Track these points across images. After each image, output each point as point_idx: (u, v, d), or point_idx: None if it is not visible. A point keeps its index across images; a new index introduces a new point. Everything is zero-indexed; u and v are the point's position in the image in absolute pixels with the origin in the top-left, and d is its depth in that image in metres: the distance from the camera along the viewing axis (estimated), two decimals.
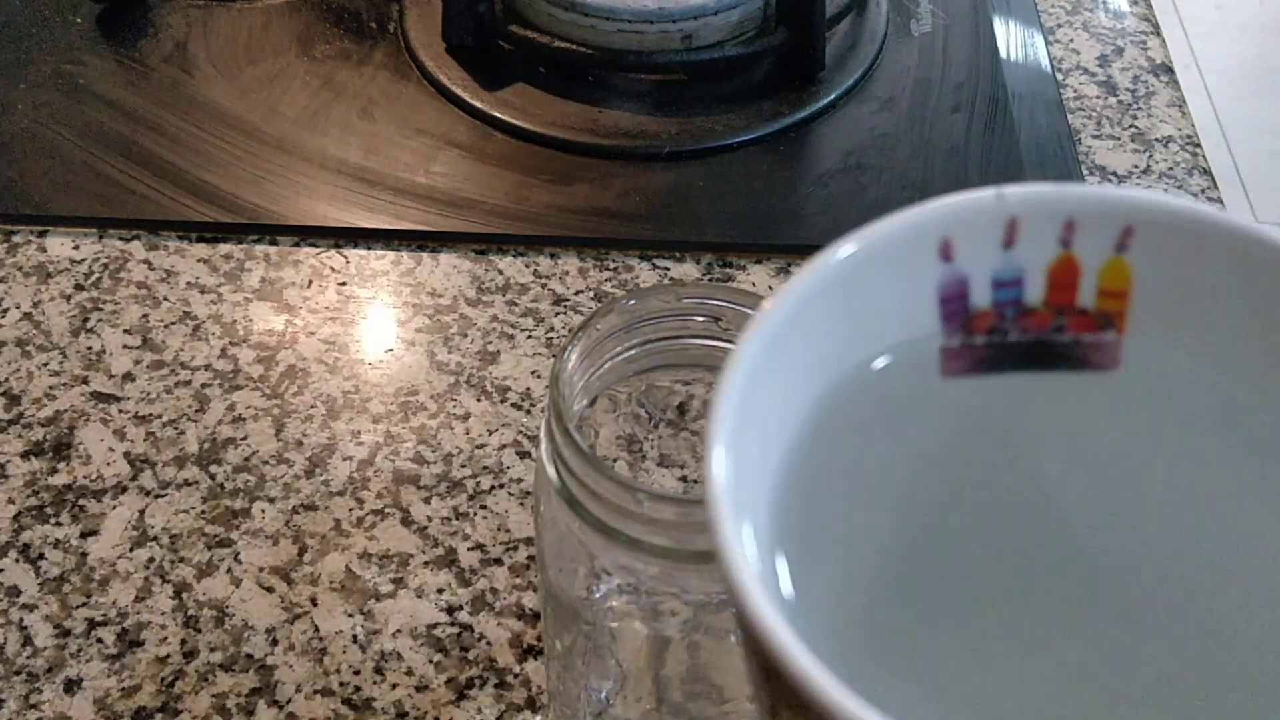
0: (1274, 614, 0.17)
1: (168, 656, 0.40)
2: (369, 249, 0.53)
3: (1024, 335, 0.18)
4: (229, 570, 0.42)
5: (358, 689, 0.40)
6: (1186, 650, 0.17)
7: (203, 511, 0.44)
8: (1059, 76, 0.62)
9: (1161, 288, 0.18)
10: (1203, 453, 0.18)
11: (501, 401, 0.47)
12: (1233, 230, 0.18)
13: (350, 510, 0.44)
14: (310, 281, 0.52)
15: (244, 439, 0.46)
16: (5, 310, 0.51)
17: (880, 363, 0.18)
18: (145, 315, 0.50)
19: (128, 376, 0.48)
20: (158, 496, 0.44)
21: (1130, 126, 0.59)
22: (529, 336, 0.50)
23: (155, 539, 0.43)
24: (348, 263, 0.53)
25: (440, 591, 0.42)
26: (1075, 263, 0.18)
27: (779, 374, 0.17)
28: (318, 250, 0.53)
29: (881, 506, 0.18)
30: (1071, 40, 0.65)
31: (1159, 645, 0.17)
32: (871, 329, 0.18)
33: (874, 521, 0.18)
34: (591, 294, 0.51)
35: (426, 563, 0.43)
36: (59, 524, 0.44)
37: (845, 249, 0.17)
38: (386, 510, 0.44)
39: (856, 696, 0.14)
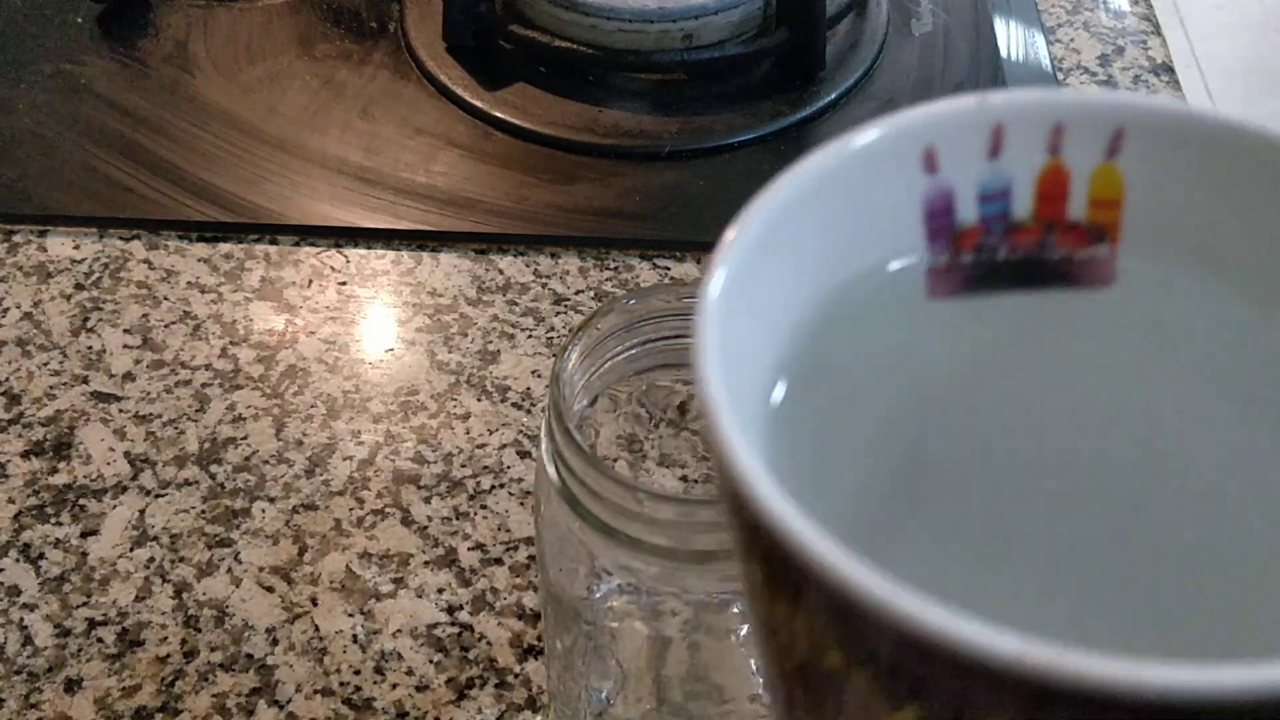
0: (1257, 525, 0.17)
1: (168, 656, 0.40)
2: (369, 249, 0.53)
3: (1013, 253, 0.17)
4: (229, 570, 0.42)
5: (358, 689, 0.40)
6: (1169, 556, 0.17)
7: (203, 511, 0.44)
8: (1059, 76, 0.62)
9: (1156, 194, 0.17)
10: (1199, 368, 0.18)
11: (502, 401, 0.47)
12: (1229, 127, 0.17)
13: (350, 510, 0.44)
14: (310, 281, 0.52)
15: (244, 439, 0.46)
16: (5, 310, 0.51)
17: (865, 281, 0.17)
18: (145, 315, 0.50)
19: (128, 376, 0.48)
20: (158, 496, 0.44)
21: None
22: (529, 336, 0.50)
23: (155, 539, 0.43)
24: (348, 262, 0.53)
25: (440, 591, 0.42)
26: (1064, 170, 0.17)
27: (756, 290, 0.16)
28: (318, 250, 0.53)
29: (864, 421, 0.18)
30: (1072, 40, 0.65)
31: (1143, 552, 0.17)
32: (856, 245, 0.17)
33: (856, 435, 0.18)
34: (592, 293, 0.51)
35: (427, 563, 0.43)
36: (59, 524, 0.44)
37: (827, 156, 0.16)
38: (387, 510, 0.44)
39: (838, 543, 0.13)
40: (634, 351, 0.32)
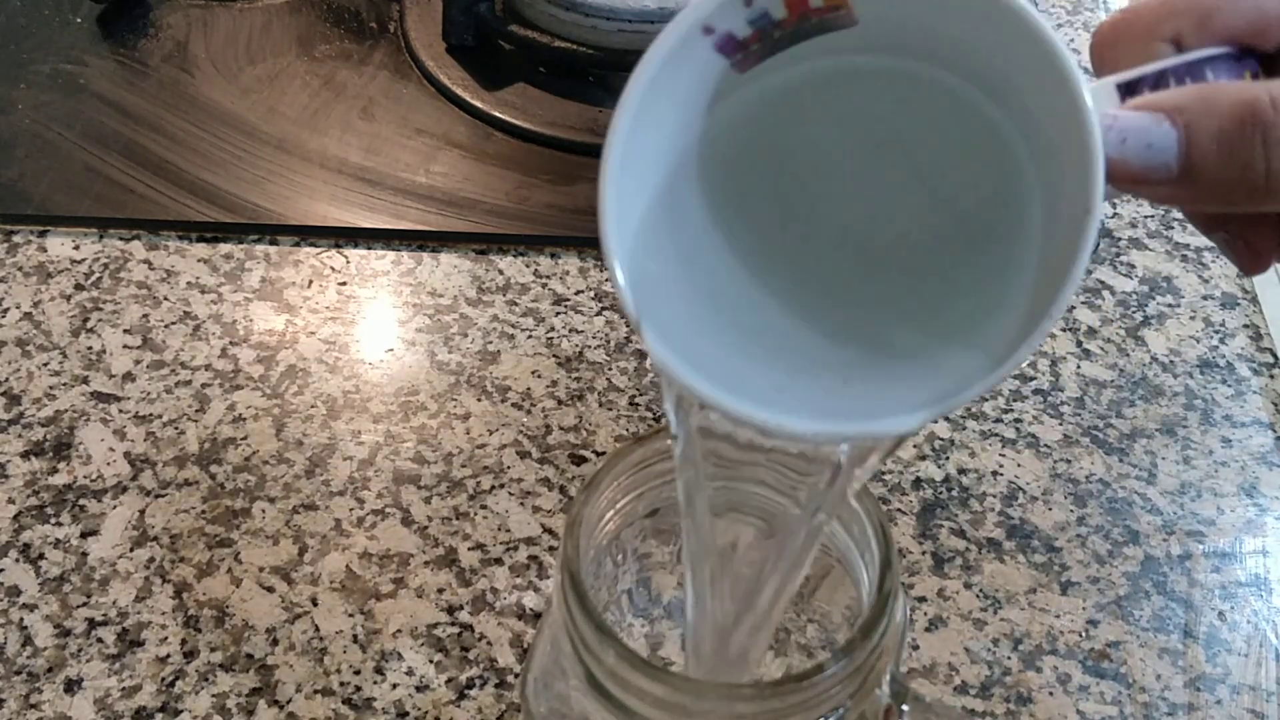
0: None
1: (168, 656, 0.40)
2: (369, 249, 0.53)
3: (782, 30, 0.25)
4: (229, 570, 0.42)
5: (358, 689, 0.40)
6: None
7: (203, 511, 0.44)
8: None
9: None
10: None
11: (502, 401, 0.47)
12: None
13: (350, 510, 0.44)
14: (310, 281, 0.52)
15: (244, 439, 0.46)
16: (5, 310, 0.51)
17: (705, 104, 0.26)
18: (145, 315, 0.50)
19: (128, 376, 0.48)
20: (158, 496, 0.44)
21: None
22: (529, 336, 0.50)
23: (155, 539, 0.43)
24: (348, 263, 0.53)
25: (440, 591, 0.42)
26: None
27: (644, 137, 0.25)
28: (318, 250, 0.53)
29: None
30: (1072, 40, 0.65)
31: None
32: (688, 99, 0.26)
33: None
34: (592, 294, 0.51)
35: (427, 563, 0.43)
36: (59, 524, 0.44)
37: (643, 75, 0.24)
38: (387, 510, 0.44)
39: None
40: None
